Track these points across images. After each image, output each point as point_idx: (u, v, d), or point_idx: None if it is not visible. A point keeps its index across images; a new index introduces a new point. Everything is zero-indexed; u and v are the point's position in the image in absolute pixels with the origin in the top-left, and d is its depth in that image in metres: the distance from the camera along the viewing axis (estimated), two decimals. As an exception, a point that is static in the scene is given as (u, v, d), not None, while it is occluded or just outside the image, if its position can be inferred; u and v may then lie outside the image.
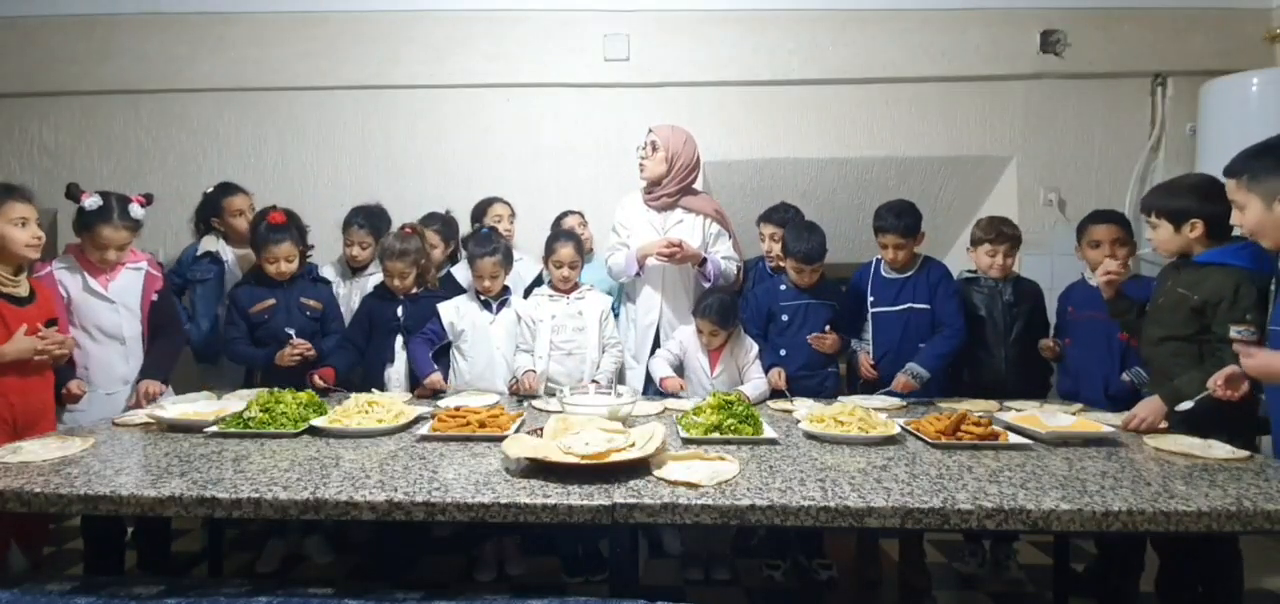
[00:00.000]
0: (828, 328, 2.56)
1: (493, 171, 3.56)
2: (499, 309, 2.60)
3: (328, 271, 2.94)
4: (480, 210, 3.13)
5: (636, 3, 3.56)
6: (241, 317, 2.60)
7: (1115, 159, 3.59)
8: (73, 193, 2.31)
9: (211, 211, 2.93)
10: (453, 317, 2.57)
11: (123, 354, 2.38)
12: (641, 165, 2.71)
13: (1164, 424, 1.90)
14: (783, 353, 2.57)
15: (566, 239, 2.63)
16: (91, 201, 2.29)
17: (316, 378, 2.42)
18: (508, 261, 2.64)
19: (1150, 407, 1.92)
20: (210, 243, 2.90)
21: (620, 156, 3.60)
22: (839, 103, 3.61)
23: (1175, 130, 3.54)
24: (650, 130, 2.71)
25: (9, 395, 1.98)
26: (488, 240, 2.64)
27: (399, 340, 2.61)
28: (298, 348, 2.49)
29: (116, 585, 1.31)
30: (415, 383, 2.54)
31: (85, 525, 2.21)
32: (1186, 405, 1.88)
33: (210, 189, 2.98)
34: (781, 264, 2.70)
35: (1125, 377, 2.29)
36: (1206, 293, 1.94)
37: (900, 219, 2.54)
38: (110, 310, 2.37)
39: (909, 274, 2.59)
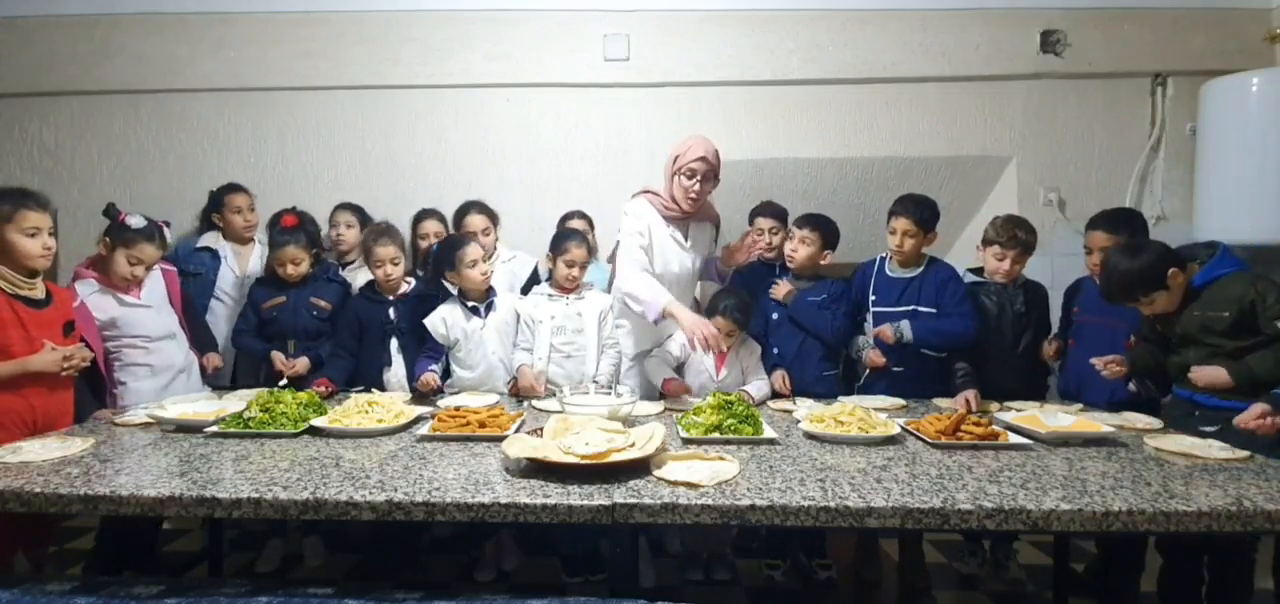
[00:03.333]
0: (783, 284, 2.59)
1: (493, 171, 3.56)
2: (487, 313, 2.56)
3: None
4: (459, 217, 3.06)
5: (636, 3, 3.56)
6: (254, 311, 2.71)
7: (1115, 159, 3.59)
8: (112, 212, 2.40)
9: (214, 207, 3.02)
10: (442, 328, 2.52)
11: (177, 347, 2.51)
12: (694, 197, 2.49)
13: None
14: (775, 350, 2.56)
15: (579, 239, 2.59)
16: (136, 221, 2.38)
17: (315, 388, 2.42)
18: (484, 248, 2.67)
19: (1215, 372, 1.94)
20: (210, 239, 2.99)
21: (620, 156, 3.62)
22: (839, 103, 3.61)
23: (1175, 130, 3.54)
24: (703, 159, 2.45)
25: (32, 400, 1.99)
26: (461, 237, 2.67)
27: (395, 343, 2.61)
28: (286, 367, 2.55)
29: (116, 585, 1.31)
30: (412, 385, 2.55)
31: (100, 525, 2.25)
32: (1211, 432, 1.88)
33: (215, 188, 3.08)
34: (771, 257, 2.73)
35: (1131, 386, 2.28)
36: (1233, 304, 1.95)
37: (917, 207, 2.46)
38: (151, 314, 2.45)
39: (914, 274, 2.51)
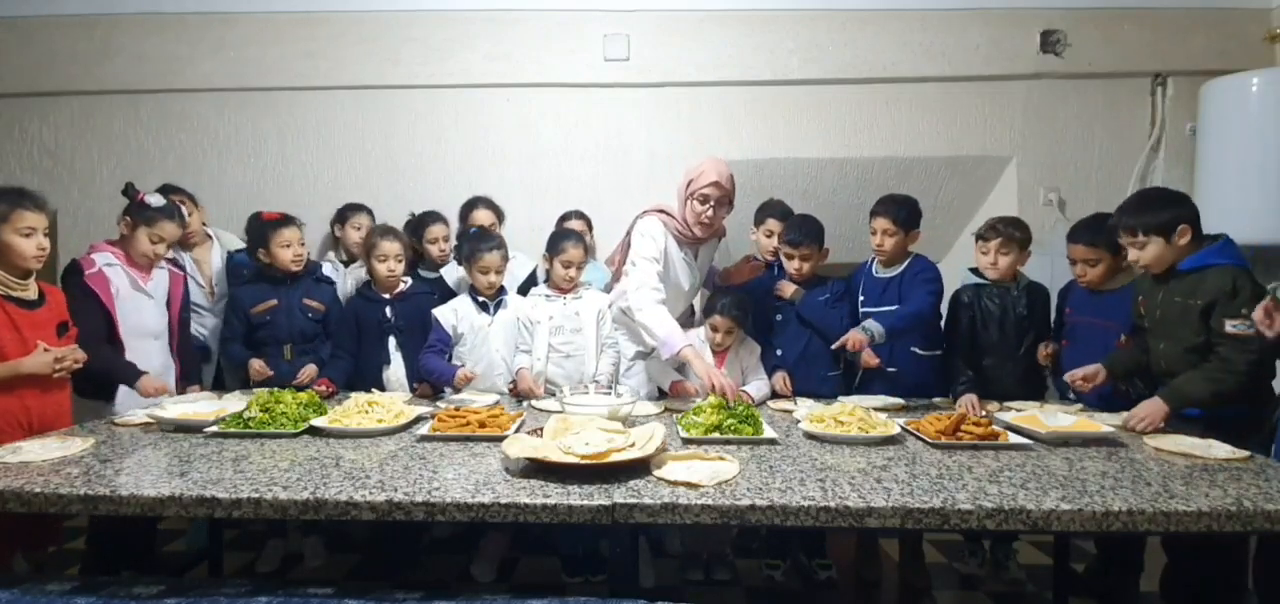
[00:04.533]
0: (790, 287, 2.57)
1: (493, 171, 3.56)
2: (496, 310, 2.58)
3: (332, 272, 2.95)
4: (465, 212, 3.12)
5: (636, 3, 3.56)
6: (241, 317, 2.60)
7: (1115, 159, 3.59)
8: (130, 191, 2.43)
9: None
10: (452, 319, 2.56)
11: (159, 348, 2.47)
12: (706, 222, 2.44)
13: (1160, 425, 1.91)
14: (779, 352, 2.56)
15: (576, 239, 2.60)
16: (155, 199, 2.40)
17: (315, 389, 2.41)
18: (506, 258, 2.65)
19: (1151, 407, 1.92)
20: None
21: (620, 157, 3.62)
22: (839, 103, 3.61)
23: (1175, 130, 3.54)
24: (717, 184, 2.40)
25: (27, 401, 1.99)
26: (488, 236, 2.65)
27: (393, 341, 2.60)
28: (264, 374, 2.50)
29: (116, 585, 1.30)
30: (412, 384, 2.56)
31: (92, 527, 2.25)
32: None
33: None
34: (771, 258, 2.72)
35: (1122, 385, 2.28)
36: (1208, 295, 1.93)
37: (896, 207, 2.48)
38: (152, 307, 2.45)
39: (896, 273, 2.53)
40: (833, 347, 2.40)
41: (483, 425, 1.82)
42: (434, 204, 3.11)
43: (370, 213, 3.13)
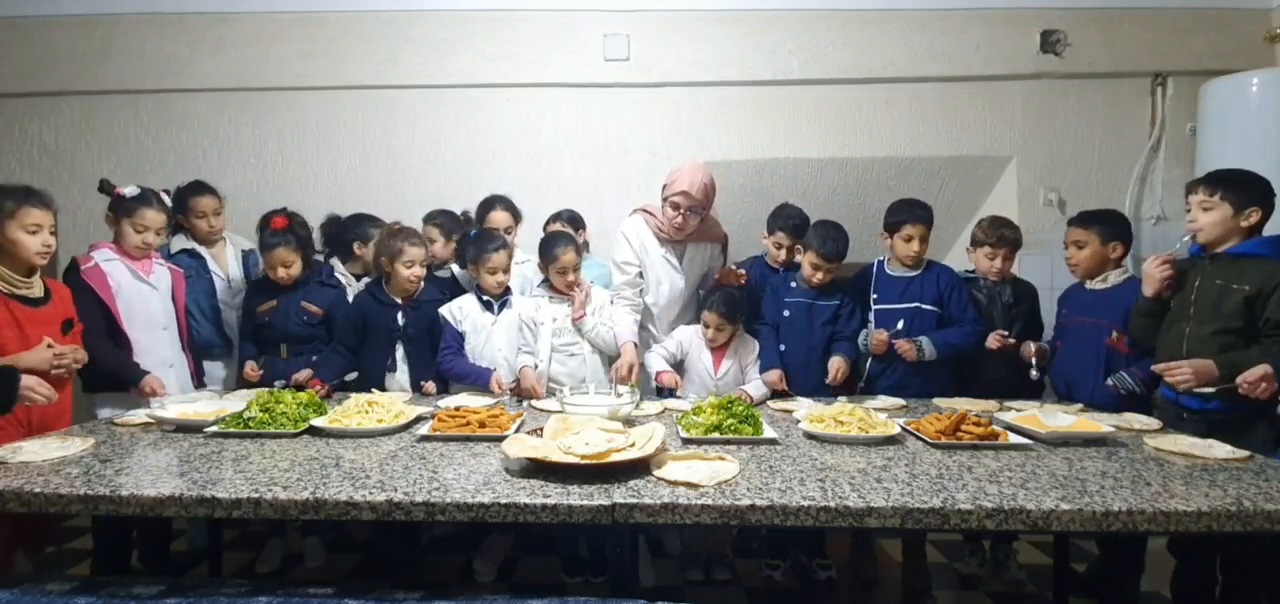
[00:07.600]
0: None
1: (493, 171, 3.56)
2: (500, 310, 2.59)
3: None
4: (482, 211, 3.12)
5: (636, 3, 3.56)
6: (248, 317, 2.67)
7: (1115, 159, 3.59)
8: (107, 187, 2.46)
9: (178, 208, 2.78)
10: (457, 314, 2.57)
11: (168, 339, 2.50)
12: (676, 226, 2.56)
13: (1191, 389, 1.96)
14: (783, 348, 2.56)
15: (566, 243, 2.60)
16: (131, 190, 2.44)
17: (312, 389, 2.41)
18: (511, 255, 2.66)
19: (1200, 365, 1.93)
20: (185, 241, 2.79)
21: (620, 156, 3.62)
22: (839, 103, 3.61)
23: (1175, 130, 3.54)
24: (686, 194, 2.50)
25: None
26: (491, 236, 2.66)
27: (401, 348, 2.59)
28: (255, 376, 2.53)
29: (116, 585, 1.30)
30: (416, 388, 2.56)
31: (96, 525, 2.26)
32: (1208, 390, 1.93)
33: (183, 184, 2.84)
34: (781, 265, 2.72)
35: (1110, 382, 2.28)
36: (1255, 283, 1.94)
37: (927, 211, 2.57)
38: (157, 297, 2.48)
39: (916, 274, 2.58)
40: (897, 345, 2.48)
41: (483, 425, 1.82)
42: (434, 204, 3.11)
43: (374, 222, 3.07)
